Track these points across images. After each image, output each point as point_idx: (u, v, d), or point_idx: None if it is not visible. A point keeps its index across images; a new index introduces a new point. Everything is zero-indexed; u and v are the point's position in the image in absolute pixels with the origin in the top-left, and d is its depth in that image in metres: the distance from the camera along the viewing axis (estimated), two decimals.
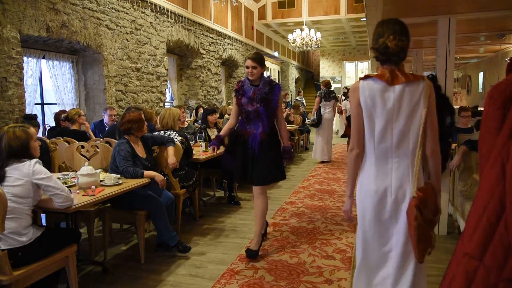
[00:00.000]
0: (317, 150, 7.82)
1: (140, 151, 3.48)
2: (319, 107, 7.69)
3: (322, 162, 7.80)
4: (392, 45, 1.70)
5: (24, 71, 4.58)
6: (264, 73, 3.40)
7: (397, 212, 1.77)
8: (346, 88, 13.03)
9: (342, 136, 7.02)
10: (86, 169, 2.84)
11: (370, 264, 1.88)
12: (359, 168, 1.89)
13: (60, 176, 3.11)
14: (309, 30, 11.20)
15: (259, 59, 3.20)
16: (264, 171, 3.21)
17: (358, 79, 1.89)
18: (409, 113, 1.74)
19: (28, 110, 4.73)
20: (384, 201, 1.78)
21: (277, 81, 3.21)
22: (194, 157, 4.17)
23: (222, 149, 3.77)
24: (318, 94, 7.80)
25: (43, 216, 3.27)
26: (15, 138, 2.30)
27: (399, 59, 1.75)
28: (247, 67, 3.18)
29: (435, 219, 1.74)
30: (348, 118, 7.54)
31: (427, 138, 1.77)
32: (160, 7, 7.21)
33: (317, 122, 7.72)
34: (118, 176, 3.06)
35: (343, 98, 12.01)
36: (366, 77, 1.81)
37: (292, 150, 3.60)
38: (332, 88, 7.97)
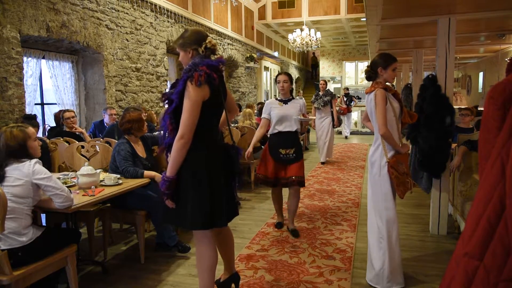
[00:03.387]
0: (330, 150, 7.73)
1: (140, 151, 3.48)
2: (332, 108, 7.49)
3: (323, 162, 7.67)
4: (364, 71, 2.90)
5: (24, 71, 4.57)
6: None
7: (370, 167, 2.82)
8: (347, 88, 12.72)
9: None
10: (86, 169, 2.84)
11: None
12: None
13: (60, 176, 3.11)
14: (309, 30, 11.19)
15: (182, 37, 2.20)
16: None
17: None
18: (370, 111, 2.75)
19: (28, 110, 4.73)
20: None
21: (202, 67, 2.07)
22: None
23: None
24: (336, 95, 7.65)
25: (43, 216, 3.27)
26: (12, 138, 2.31)
27: (368, 78, 2.84)
28: None
29: (408, 171, 2.70)
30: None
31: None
32: (160, 7, 7.21)
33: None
34: (118, 176, 3.06)
35: (345, 98, 11.89)
36: None
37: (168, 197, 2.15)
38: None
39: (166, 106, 2.19)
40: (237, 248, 3.45)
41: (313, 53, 21.15)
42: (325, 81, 7.71)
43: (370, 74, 2.80)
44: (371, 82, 2.84)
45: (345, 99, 11.79)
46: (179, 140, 2.04)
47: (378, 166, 2.71)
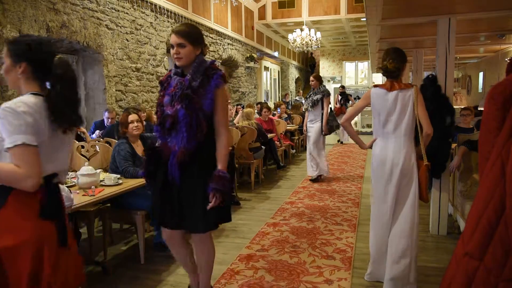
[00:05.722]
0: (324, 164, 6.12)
1: (140, 151, 3.48)
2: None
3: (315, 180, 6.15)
4: (391, 67, 2.56)
5: None
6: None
7: (391, 173, 2.58)
8: (342, 87, 12.24)
9: None
10: (86, 169, 2.84)
11: (379, 214, 2.70)
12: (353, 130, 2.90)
13: None
14: (309, 30, 11.19)
15: (189, 32, 2.10)
16: (195, 211, 2.11)
17: (372, 86, 2.86)
18: (401, 110, 2.54)
19: None
20: (384, 164, 2.60)
21: (219, 69, 2.27)
22: None
23: None
24: (329, 93, 5.97)
25: None
26: None
27: (396, 75, 2.57)
28: (172, 46, 2.11)
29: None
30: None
31: (423, 125, 2.54)
32: (160, 7, 7.21)
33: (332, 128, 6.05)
34: (118, 176, 3.06)
35: (339, 98, 11.68)
36: (375, 86, 2.69)
37: (233, 190, 2.02)
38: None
39: (178, 106, 2.07)
40: (237, 248, 3.46)
41: (311, 53, 21.15)
42: (316, 76, 5.98)
43: (400, 68, 2.56)
44: (367, 82, 2.78)
45: (339, 98, 11.41)
46: (226, 143, 2.14)
47: (413, 171, 2.58)
